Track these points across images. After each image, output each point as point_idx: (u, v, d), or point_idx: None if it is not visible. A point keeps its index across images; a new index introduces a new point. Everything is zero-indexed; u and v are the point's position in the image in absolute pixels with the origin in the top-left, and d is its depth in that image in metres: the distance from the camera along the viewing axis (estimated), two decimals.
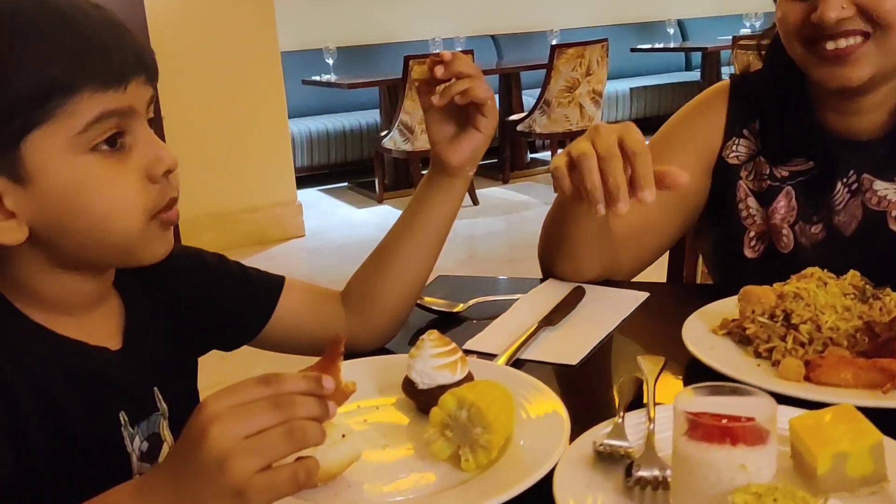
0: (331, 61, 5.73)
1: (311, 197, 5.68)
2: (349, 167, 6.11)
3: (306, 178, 5.74)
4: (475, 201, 5.33)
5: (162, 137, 3.51)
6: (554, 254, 1.22)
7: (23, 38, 0.69)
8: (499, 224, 4.93)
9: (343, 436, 0.73)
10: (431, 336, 0.86)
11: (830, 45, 1.08)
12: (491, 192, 5.62)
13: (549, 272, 1.24)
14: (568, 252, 1.19)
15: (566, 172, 0.97)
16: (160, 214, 0.77)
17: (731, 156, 1.25)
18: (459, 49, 5.28)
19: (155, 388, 0.87)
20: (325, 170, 6.03)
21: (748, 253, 1.23)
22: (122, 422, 0.82)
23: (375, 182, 5.55)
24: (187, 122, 4.30)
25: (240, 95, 4.60)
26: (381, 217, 5.18)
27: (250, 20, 4.57)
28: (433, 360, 0.84)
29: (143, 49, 0.76)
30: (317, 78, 5.69)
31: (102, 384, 0.81)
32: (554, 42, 5.64)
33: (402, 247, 1.03)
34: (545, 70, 5.36)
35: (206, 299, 0.95)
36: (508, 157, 5.90)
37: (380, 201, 5.50)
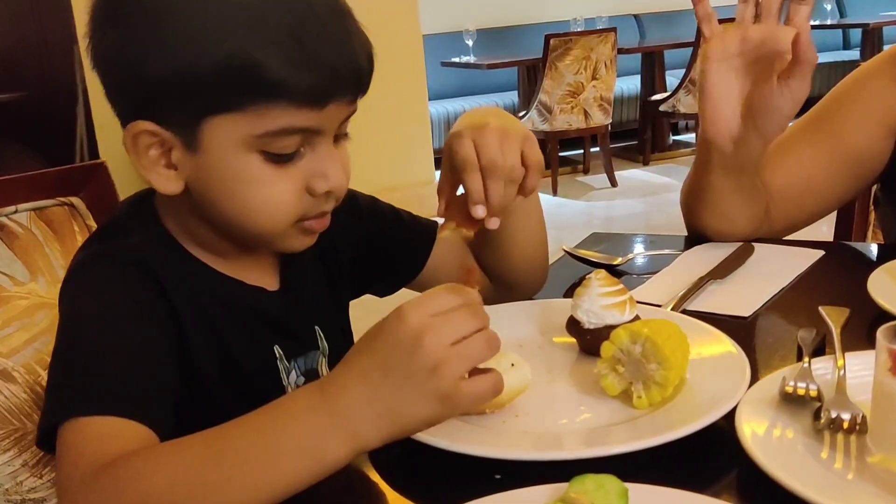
0: (470, 43, 5.75)
1: None
2: None
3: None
4: (613, 183, 5.21)
5: None
6: (699, 207, 1.15)
7: (242, 10, 0.67)
8: (637, 206, 4.81)
9: (512, 365, 0.72)
10: (599, 275, 0.83)
11: None
12: (630, 174, 5.49)
13: (695, 230, 1.18)
14: (713, 207, 1.13)
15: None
16: (306, 222, 0.76)
17: None
18: (601, 28, 5.17)
19: (317, 327, 0.89)
20: None
21: None
22: (277, 355, 0.84)
23: None
24: None
25: (382, 78, 4.67)
26: None
27: (394, 5, 4.65)
28: (601, 300, 0.81)
29: (361, 65, 0.72)
30: (456, 59, 5.73)
31: (258, 319, 0.83)
32: None
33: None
34: (691, 49, 5.16)
35: (360, 244, 0.95)
36: (649, 139, 5.73)
37: None
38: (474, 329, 0.60)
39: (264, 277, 0.86)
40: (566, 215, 4.71)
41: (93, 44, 0.73)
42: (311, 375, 0.87)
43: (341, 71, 0.70)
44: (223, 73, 0.67)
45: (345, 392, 0.60)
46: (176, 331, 0.76)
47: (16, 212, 1.13)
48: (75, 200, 1.17)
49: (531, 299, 1.01)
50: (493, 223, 0.79)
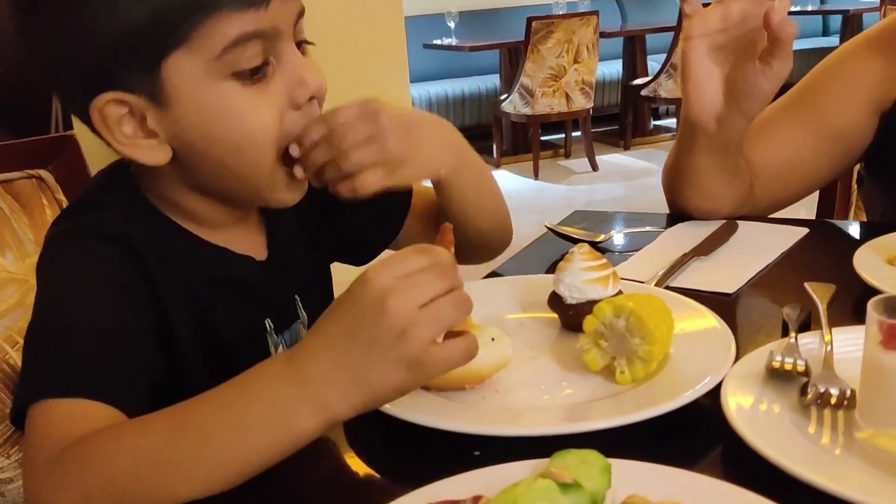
0: (452, 25, 5.71)
1: None
2: (466, 132, 6.04)
3: None
4: (595, 167, 5.21)
5: None
6: (682, 186, 1.13)
7: None
8: (618, 190, 4.81)
9: (493, 339, 0.70)
10: (582, 249, 0.81)
11: None
12: (611, 159, 5.48)
13: (679, 209, 1.16)
14: (697, 187, 1.11)
15: None
16: (292, 166, 0.74)
17: None
18: (583, 11, 5.14)
19: (296, 297, 0.86)
20: None
21: None
22: (268, 328, 0.82)
23: (493, 147, 5.50)
24: None
25: (363, 59, 4.64)
26: (498, 182, 5.12)
27: None
28: (584, 274, 0.79)
29: None
30: (438, 42, 5.68)
31: (247, 292, 0.81)
32: None
33: None
34: (672, 33, 5.15)
35: (335, 210, 0.92)
36: (630, 123, 5.73)
37: (497, 166, 5.45)
38: (443, 290, 0.57)
39: (253, 246, 0.83)
40: (547, 199, 4.70)
41: (27, 40, 0.70)
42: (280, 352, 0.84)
43: None
44: (158, 8, 0.65)
45: (312, 361, 0.58)
46: (157, 309, 0.74)
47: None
48: (44, 173, 1.14)
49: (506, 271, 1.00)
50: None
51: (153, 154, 0.72)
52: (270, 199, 0.77)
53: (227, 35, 0.67)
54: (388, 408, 0.65)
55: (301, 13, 0.73)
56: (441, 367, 0.57)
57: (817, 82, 1.19)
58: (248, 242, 0.83)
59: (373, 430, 0.70)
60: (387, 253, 0.96)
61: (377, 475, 0.65)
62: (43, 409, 0.63)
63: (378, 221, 0.96)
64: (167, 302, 0.74)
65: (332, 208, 0.92)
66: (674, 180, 1.14)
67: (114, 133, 0.70)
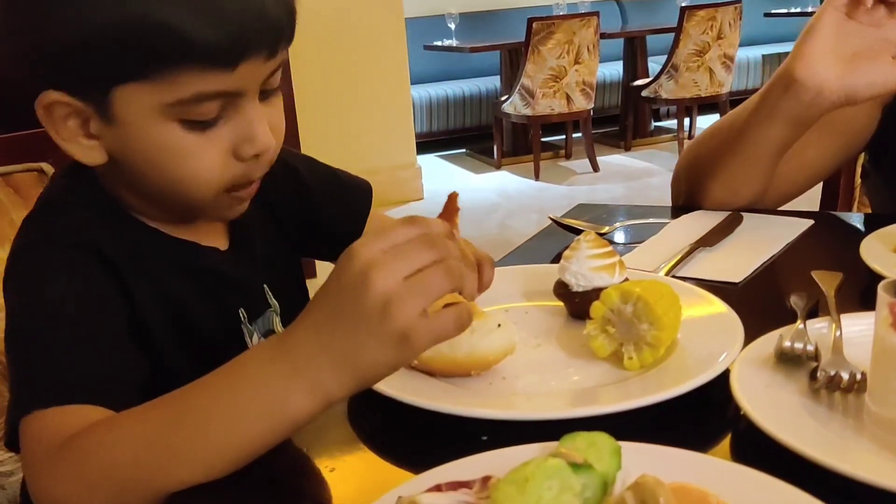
0: (453, 26, 5.71)
1: (429, 163, 5.69)
2: (467, 133, 6.08)
3: (424, 144, 5.75)
4: (595, 168, 5.20)
5: (292, 104, 3.50)
6: (705, 178, 1.13)
7: None
8: (619, 191, 4.80)
9: (499, 325, 0.69)
10: (588, 237, 0.81)
11: None
12: (612, 160, 5.48)
13: (691, 199, 1.16)
14: (724, 176, 1.11)
15: None
16: (236, 191, 0.73)
17: None
18: (583, 12, 5.14)
19: (265, 286, 0.86)
20: (443, 136, 6.04)
21: None
22: (242, 318, 0.82)
23: (494, 148, 5.50)
24: (313, 86, 4.37)
25: (364, 61, 4.65)
26: (499, 183, 5.13)
27: None
28: (590, 262, 0.79)
29: (273, 16, 0.66)
30: (438, 43, 5.68)
31: (218, 282, 0.81)
32: (684, 3, 5.41)
33: None
34: (673, 34, 5.15)
35: (301, 204, 0.92)
36: (631, 124, 5.73)
37: (498, 167, 5.45)
38: (430, 260, 0.54)
39: (216, 237, 0.83)
40: (548, 199, 4.69)
41: (4, 14, 0.69)
42: (270, 336, 0.84)
43: (251, 25, 0.64)
44: (123, 37, 0.62)
45: (299, 343, 0.57)
46: (132, 310, 0.73)
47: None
48: (44, 166, 1.14)
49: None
50: None
51: (91, 153, 0.70)
52: (212, 216, 0.78)
53: (187, 90, 0.64)
54: (394, 392, 0.65)
55: (277, 69, 0.70)
56: (430, 338, 0.55)
57: None
58: (212, 234, 0.82)
59: (378, 415, 0.69)
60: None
61: (382, 461, 0.65)
62: (35, 418, 0.63)
63: (340, 218, 0.95)
64: (142, 302, 0.74)
65: (297, 198, 0.92)
66: (700, 166, 1.14)
67: (56, 126, 0.69)
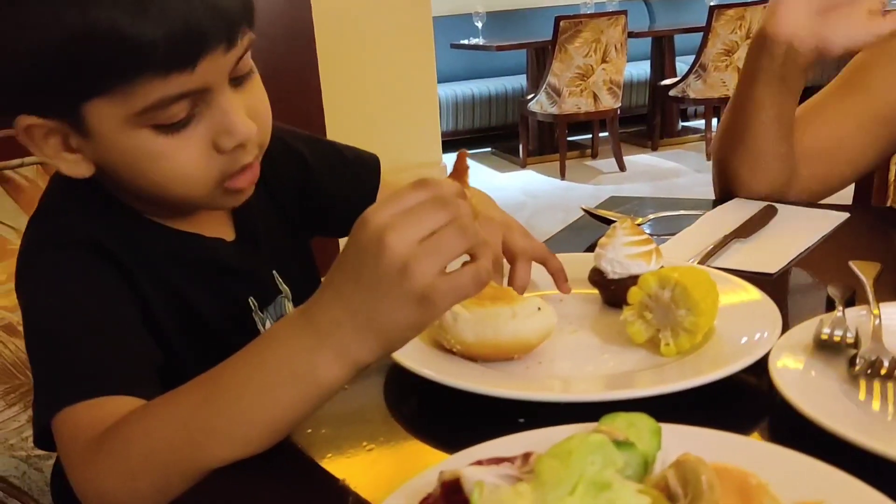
0: (479, 25, 5.71)
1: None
2: (493, 132, 6.08)
3: (450, 143, 5.76)
4: (622, 167, 5.18)
5: (320, 102, 3.47)
6: (729, 161, 1.14)
7: None
8: (645, 190, 4.78)
9: (539, 308, 0.70)
10: (624, 224, 0.81)
11: None
12: (639, 159, 5.45)
13: (725, 181, 1.16)
14: (742, 153, 1.12)
15: None
16: (228, 182, 0.71)
17: None
18: (611, 11, 5.12)
19: (274, 272, 0.87)
20: (468, 135, 6.04)
21: None
22: (253, 307, 0.82)
23: (519, 147, 5.49)
24: (340, 84, 4.39)
25: (391, 59, 4.66)
26: (524, 182, 5.13)
27: None
28: (626, 249, 0.79)
29: (222, 5, 0.64)
30: (465, 41, 5.69)
31: (225, 273, 0.81)
32: (713, 2, 5.37)
33: None
34: (701, 33, 5.11)
35: (305, 186, 0.92)
36: (658, 124, 5.69)
37: (523, 166, 5.44)
38: (444, 221, 0.54)
39: (221, 228, 0.83)
40: (573, 199, 4.67)
41: None
42: (294, 309, 0.84)
43: (202, 21, 0.62)
44: (73, 56, 0.61)
45: (323, 311, 0.57)
46: (140, 303, 0.74)
47: (21, 165, 1.10)
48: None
49: None
50: None
51: (77, 167, 0.71)
52: (212, 208, 0.78)
53: (150, 97, 0.64)
54: (434, 374, 0.66)
55: (243, 54, 0.68)
56: (451, 296, 0.55)
57: (864, 63, 1.18)
58: (216, 225, 0.83)
59: (415, 398, 0.70)
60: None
61: (420, 442, 0.66)
62: (66, 415, 0.64)
63: (347, 194, 0.95)
64: (148, 295, 0.74)
65: (301, 180, 0.92)
66: (727, 139, 1.15)
67: (39, 146, 0.69)
